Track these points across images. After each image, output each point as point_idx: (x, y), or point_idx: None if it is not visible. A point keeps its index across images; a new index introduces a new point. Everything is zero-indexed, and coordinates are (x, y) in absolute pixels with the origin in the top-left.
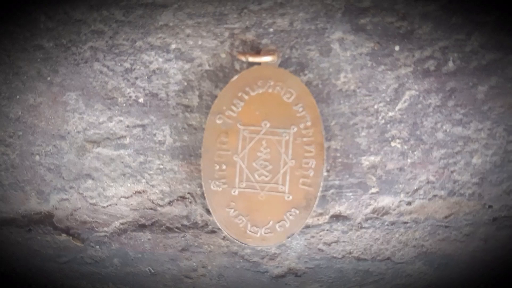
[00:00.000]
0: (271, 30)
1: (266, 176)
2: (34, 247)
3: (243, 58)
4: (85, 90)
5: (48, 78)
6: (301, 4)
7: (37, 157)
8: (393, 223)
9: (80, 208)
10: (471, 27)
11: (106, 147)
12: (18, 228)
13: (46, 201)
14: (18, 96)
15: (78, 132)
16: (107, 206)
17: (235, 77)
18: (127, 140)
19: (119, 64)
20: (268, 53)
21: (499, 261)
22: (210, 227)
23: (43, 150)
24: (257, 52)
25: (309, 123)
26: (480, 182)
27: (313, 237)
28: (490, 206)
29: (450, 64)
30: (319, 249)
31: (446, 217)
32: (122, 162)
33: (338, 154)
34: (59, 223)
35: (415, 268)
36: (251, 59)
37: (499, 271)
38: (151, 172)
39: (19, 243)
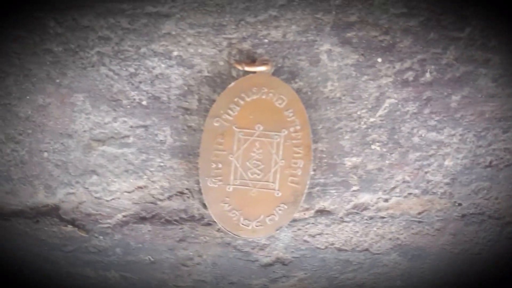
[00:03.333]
0: (266, 41)
1: (258, 175)
2: (41, 237)
3: (239, 67)
4: (92, 92)
5: (57, 81)
6: (294, 18)
7: (45, 154)
8: (371, 218)
9: (85, 201)
10: (446, 42)
11: (111, 146)
12: (26, 220)
13: (53, 195)
14: (28, 97)
15: (85, 131)
16: (111, 200)
17: (232, 84)
18: (130, 139)
19: (124, 69)
20: (262, 63)
21: (466, 253)
22: (206, 220)
23: (51, 148)
24: (253, 61)
25: (298, 127)
26: (451, 182)
27: (299, 229)
28: (459, 204)
29: (427, 75)
30: (305, 241)
31: (419, 213)
32: (125, 160)
33: (324, 155)
34: (65, 215)
35: (391, 258)
36: (247, 68)
37: (466, 262)
38: (152, 169)
39: (27, 233)
